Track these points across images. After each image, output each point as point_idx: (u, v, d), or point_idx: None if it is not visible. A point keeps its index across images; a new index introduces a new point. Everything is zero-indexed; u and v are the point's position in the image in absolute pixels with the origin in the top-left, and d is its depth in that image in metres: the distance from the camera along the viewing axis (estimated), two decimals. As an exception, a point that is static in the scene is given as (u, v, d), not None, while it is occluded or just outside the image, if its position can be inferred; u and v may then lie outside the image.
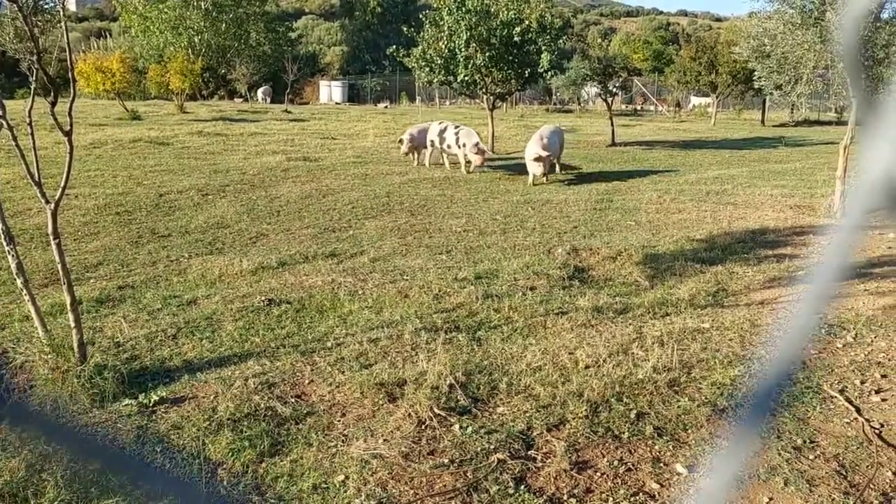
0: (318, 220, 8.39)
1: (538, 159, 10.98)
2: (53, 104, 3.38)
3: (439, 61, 14.19)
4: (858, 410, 3.70)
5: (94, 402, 3.57)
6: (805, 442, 3.36)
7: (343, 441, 3.31)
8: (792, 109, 28.74)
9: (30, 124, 3.50)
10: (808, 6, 8.17)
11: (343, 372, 4.06)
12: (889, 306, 5.33)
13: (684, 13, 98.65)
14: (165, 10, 37.35)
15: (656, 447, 3.31)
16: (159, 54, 35.99)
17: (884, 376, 4.15)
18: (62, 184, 3.66)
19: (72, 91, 3.61)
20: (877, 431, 3.50)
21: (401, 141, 13.73)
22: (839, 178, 8.87)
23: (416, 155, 13.80)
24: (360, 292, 5.55)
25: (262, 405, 3.62)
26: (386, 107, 36.40)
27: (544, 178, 11.55)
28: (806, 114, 31.20)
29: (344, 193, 10.17)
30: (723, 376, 4.05)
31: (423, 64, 14.40)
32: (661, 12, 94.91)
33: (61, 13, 3.38)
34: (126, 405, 3.58)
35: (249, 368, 4.08)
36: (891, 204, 0.40)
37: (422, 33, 14.64)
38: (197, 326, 4.78)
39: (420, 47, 14.51)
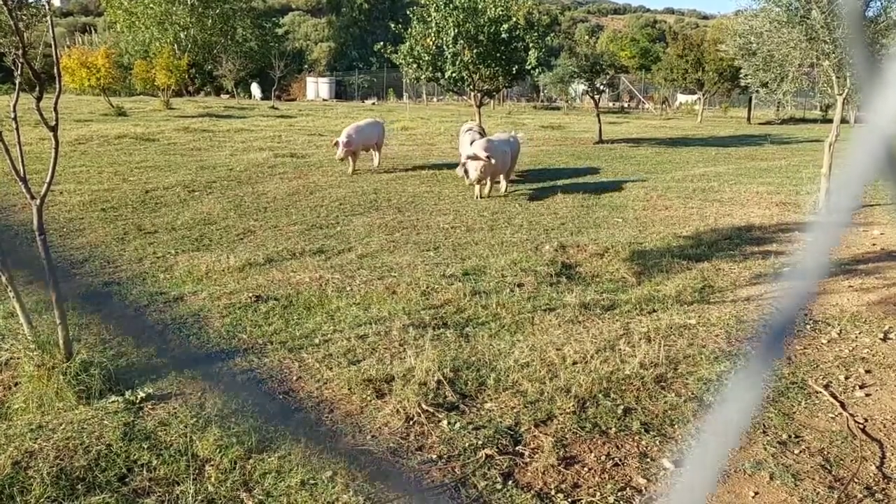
0: (305, 217, 8.36)
1: (474, 158, 9.27)
2: (39, 99, 3.35)
3: (427, 58, 14.16)
4: (843, 405, 3.74)
5: (81, 399, 3.55)
6: (790, 437, 3.40)
7: (331, 437, 3.31)
8: (778, 107, 28.98)
9: (15, 119, 3.46)
10: (794, 4, 8.23)
11: (331, 368, 4.06)
12: (873, 302, 5.40)
13: (671, 11, 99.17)
14: (151, 5, 37.08)
15: (643, 442, 3.33)
16: (145, 50, 35.74)
17: (868, 372, 4.20)
18: (48, 179, 3.63)
19: (57, 86, 3.58)
20: (861, 426, 3.54)
21: (335, 144, 11.35)
22: (824, 175, 8.96)
23: (352, 160, 11.63)
24: (347, 289, 5.54)
25: (250, 402, 3.61)
26: (373, 103, 36.33)
27: (481, 189, 9.79)
28: (791, 111, 31.48)
29: (331, 190, 10.14)
30: (709, 372, 4.08)
31: (411, 60, 14.37)
32: (648, 10, 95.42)
33: (47, 7, 3.36)
34: (112, 402, 3.55)
35: (237, 365, 4.07)
36: (891, 168, 0.41)
37: (409, 30, 14.60)
38: (184, 323, 4.75)
39: (407, 44, 14.47)
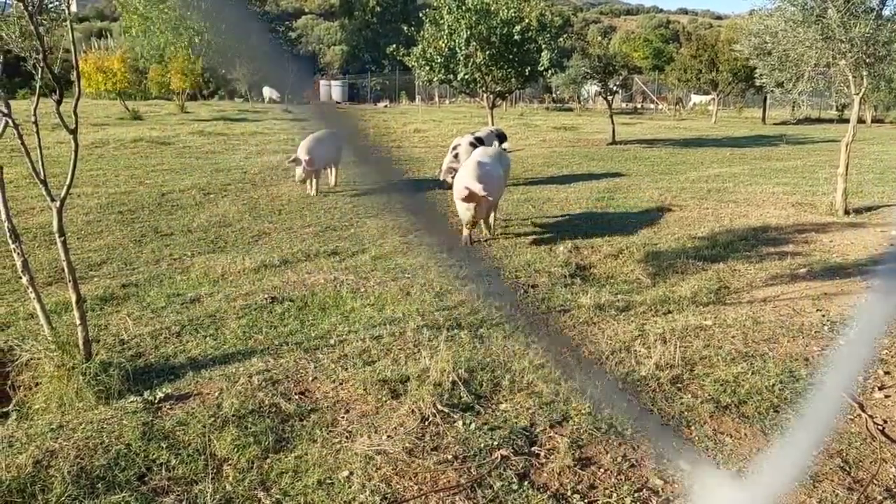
0: (319, 219, 8.40)
1: (469, 198, 6.55)
2: (59, 103, 3.39)
3: (439, 60, 14.20)
4: (862, 407, 3.71)
5: (100, 398, 3.58)
6: (808, 437, 3.37)
7: (347, 437, 3.33)
8: (793, 107, 28.76)
9: (35, 123, 3.51)
10: (810, 3, 8.17)
11: (346, 369, 4.07)
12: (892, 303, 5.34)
13: (684, 11, 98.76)
14: (166, 10, 37.36)
15: (660, 443, 3.32)
16: (160, 54, 36.00)
17: (887, 373, 4.16)
18: (67, 182, 3.67)
19: (77, 90, 3.63)
20: (880, 428, 3.51)
21: (295, 160, 9.50)
22: (841, 175, 8.88)
23: (314, 180, 9.82)
24: (362, 290, 5.56)
25: (267, 402, 3.63)
26: (386, 106, 36.42)
27: (478, 230, 7.45)
28: (807, 111, 31.20)
29: (345, 192, 10.18)
30: (726, 373, 4.06)
31: (424, 63, 14.42)
32: (662, 10, 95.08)
33: (66, 12, 3.40)
34: (131, 402, 3.59)
35: (253, 366, 4.09)
36: None
37: (422, 32, 14.65)
38: (201, 324, 4.79)
39: (420, 46, 14.52)
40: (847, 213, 8.80)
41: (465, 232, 7.15)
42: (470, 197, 6.52)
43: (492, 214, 7.48)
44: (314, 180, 9.81)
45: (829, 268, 6.33)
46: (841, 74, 8.68)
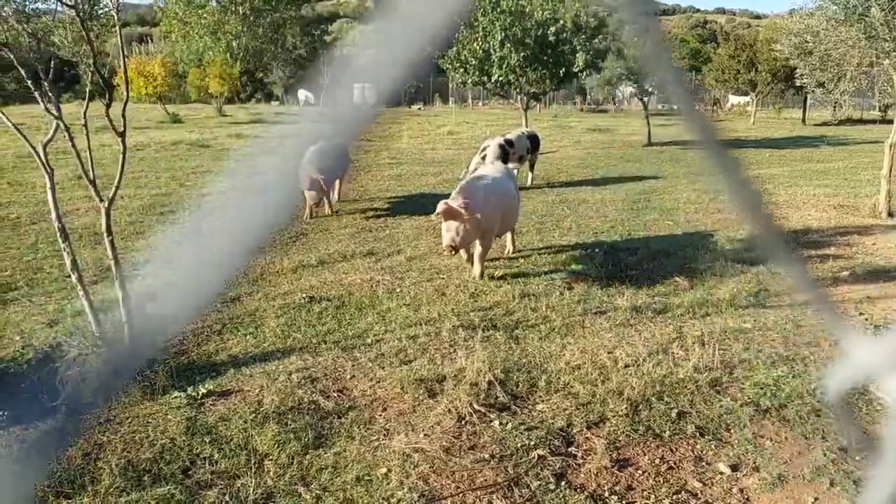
0: (355, 220, 8.48)
1: (446, 214, 5.42)
2: (108, 106, 3.50)
3: (474, 62, 14.24)
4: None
5: (146, 394, 3.69)
6: (851, 443, 3.31)
7: (385, 435, 3.36)
8: (834, 108, 28.14)
9: (85, 125, 3.63)
10: (852, 2, 8.01)
11: (383, 367, 4.12)
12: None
13: (722, 11, 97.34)
14: (205, 15, 38.06)
15: (698, 446, 3.29)
16: (199, 59, 36.69)
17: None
18: (116, 182, 3.79)
19: (125, 93, 3.74)
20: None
21: (310, 185, 7.79)
22: (884, 177, 8.67)
23: (327, 200, 8.59)
24: (398, 290, 5.61)
25: (306, 399, 3.69)
26: (419, 108, 36.56)
27: (472, 263, 5.97)
28: (849, 112, 30.51)
29: (380, 193, 10.27)
30: (766, 377, 4.00)
31: (458, 65, 14.47)
32: (699, 10, 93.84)
33: (115, 18, 3.52)
34: (175, 397, 3.68)
35: (292, 363, 4.16)
36: None
37: (456, 34, 14.70)
38: (241, 322, 4.88)
39: (455, 48, 14.57)
40: (891, 215, 8.58)
41: (472, 263, 5.94)
42: (449, 212, 5.40)
43: (486, 244, 5.90)
44: (326, 201, 8.58)
45: (873, 271, 6.19)
46: (884, 74, 8.49)
